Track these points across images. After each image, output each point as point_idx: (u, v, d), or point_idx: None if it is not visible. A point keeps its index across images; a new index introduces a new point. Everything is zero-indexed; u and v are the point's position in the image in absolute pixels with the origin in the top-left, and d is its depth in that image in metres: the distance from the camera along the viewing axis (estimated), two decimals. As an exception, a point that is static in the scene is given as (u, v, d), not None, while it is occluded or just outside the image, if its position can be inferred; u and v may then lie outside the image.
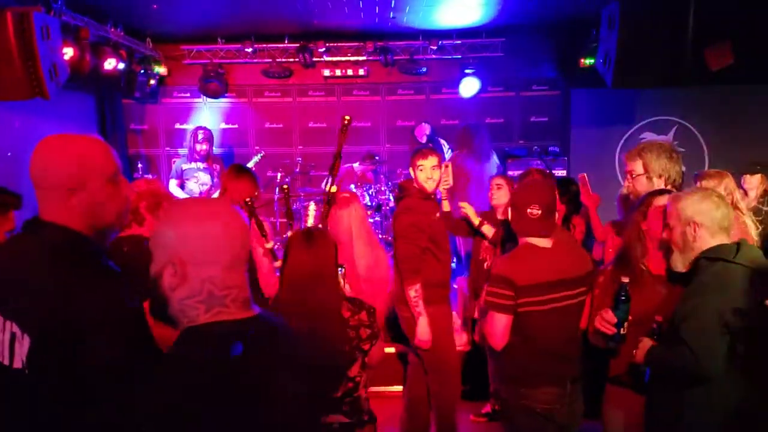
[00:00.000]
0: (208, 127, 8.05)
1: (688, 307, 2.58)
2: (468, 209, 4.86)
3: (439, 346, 4.16)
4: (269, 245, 4.04)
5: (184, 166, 7.53)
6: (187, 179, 7.49)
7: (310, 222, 8.06)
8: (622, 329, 2.80)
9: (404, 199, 4.35)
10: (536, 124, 9.26)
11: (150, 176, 8.22)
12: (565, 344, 3.03)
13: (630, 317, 2.80)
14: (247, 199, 3.96)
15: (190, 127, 9.07)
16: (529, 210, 2.96)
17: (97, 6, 7.11)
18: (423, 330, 4.08)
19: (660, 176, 3.25)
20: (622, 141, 8.91)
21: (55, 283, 1.77)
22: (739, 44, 7.47)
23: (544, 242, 3.01)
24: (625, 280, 2.77)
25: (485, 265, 4.92)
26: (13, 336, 1.80)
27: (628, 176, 3.41)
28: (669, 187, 3.22)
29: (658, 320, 2.72)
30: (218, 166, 7.63)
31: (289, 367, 1.59)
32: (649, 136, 8.87)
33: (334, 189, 3.80)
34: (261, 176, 8.14)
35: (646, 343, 2.70)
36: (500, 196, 4.97)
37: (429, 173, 4.23)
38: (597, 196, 5.01)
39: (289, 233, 3.57)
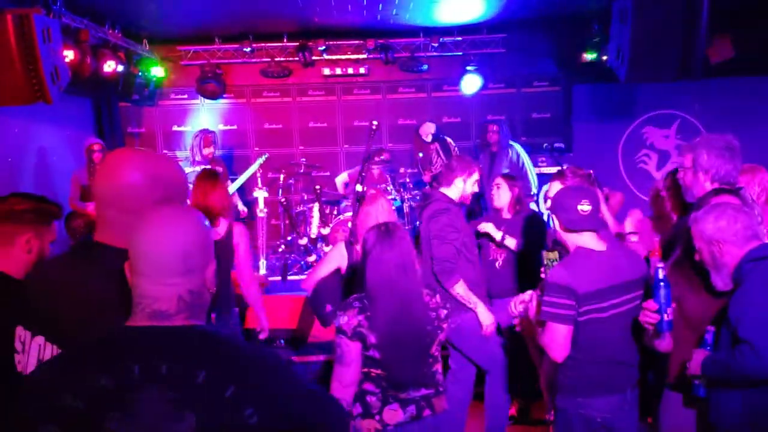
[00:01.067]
0: (209, 128, 7.92)
1: (743, 306, 2.52)
2: (488, 227, 4.86)
3: (486, 347, 4.22)
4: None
5: (188, 170, 7.36)
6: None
7: (315, 223, 8.02)
8: (665, 315, 2.71)
9: (434, 203, 4.33)
10: (538, 121, 9.18)
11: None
12: (625, 350, 2.96)
13: (673, 303, 2.73)
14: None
15: (188, 129, 8.97)
16: (579, 207, 2.89)
17: (95, 7, 6.97)
18: (485, 316, 4.12)
19: (706, 172, 3.14)
20: (624, 135, 8.88)
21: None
22: (742, 36, 7.49)
23: (599, 245, 2.93)
24: (660, 265, 2.73)
25: (497, 264, 4.88)
26: None
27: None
28: (716, 185, 3.14)
29: (711, 329, 2.66)
30: (221, 169, 7.46)
31: (154, 380, 1.42)
32: (651, 130, 8.84)
33: (362, 188, 4.18)
34: (263, 178, 8.04)
35: (699, 353, 2.64)
36: (500, 195, 4.97)
37: (476, 187, 4.49)
38: (620, 195, 4.95)
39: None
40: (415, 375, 2.85)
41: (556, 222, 3.01)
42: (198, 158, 7.36)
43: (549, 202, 3.57)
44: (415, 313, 2.85)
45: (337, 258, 4.02)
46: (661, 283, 2.69)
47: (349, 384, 2.80)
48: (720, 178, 3.08)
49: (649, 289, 2.81)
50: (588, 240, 2.93)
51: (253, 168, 7.32)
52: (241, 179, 7.54)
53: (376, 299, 2.81)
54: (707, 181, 3.12)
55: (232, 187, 7.13)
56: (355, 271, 3.64)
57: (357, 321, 2.77)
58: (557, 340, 2.82)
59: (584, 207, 2.88)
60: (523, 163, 7.86)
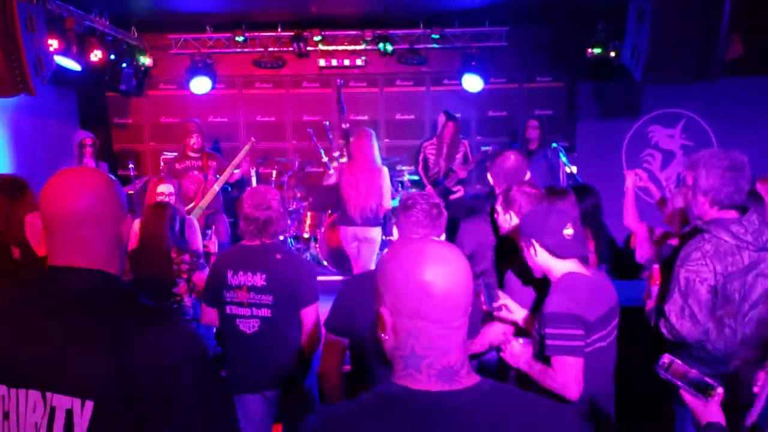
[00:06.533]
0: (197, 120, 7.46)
1: None
2: None
3: None
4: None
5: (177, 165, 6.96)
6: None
7: (308, 221, 7.72)
8: None
9: None
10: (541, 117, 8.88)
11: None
12: (612, 383, 2.82)
13: None
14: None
15: (177, 120, 8.64)
16: (565, 231, 2.67)
17: (81, -8, 6.60)
18: None
19: (705, 194, 2.92)
20: (629, 134, 8.61)
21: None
22: (751, 34, 7.25)
23: (584, 270, 2.73)
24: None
25: None
26: (52, 411, 1.47)
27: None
28: (716, 207, 2.91)
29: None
30: (214, 163, 7.07)
31: None
32: (656, 129, 8.59)
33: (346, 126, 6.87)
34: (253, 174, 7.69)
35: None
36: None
37: None
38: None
39: None
40: None
41: (537, 248, 2.73)
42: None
43: (507, 219, 3.30)
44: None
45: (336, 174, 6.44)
46: None
47: None
48: (720, 200, 2.88)
49: None
50: (574, 266, 2.72)
51: (239, 158, 6.91)
52: (227, 173, 7.06)
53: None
54: (706, 204, 2.93)
55: (217, 184, 6.77)
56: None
57: None
58: (573, 374, 2.52)
59: (569, 231, 2.67)
60: (559, 167, 7.45)
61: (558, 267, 2.71)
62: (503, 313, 2.97)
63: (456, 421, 1.27)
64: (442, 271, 1.31)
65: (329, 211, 7.54)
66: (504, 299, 2.98)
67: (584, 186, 4.95)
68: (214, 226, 6.67)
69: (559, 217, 2.74)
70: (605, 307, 2.65)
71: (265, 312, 3.43)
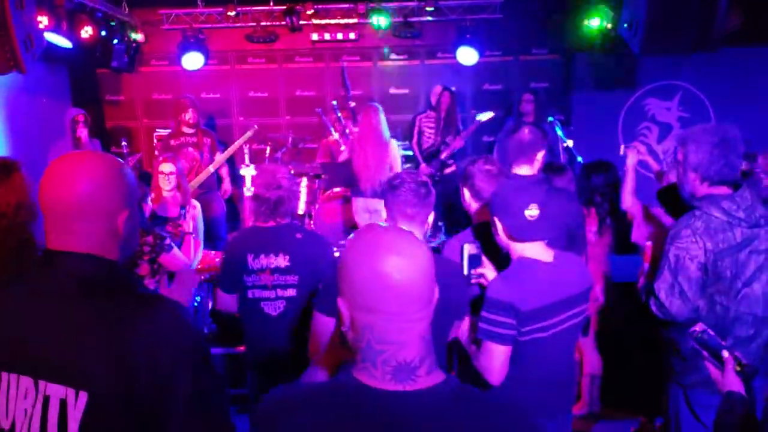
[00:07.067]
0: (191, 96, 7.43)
1: None
2: None
3: None
4: None
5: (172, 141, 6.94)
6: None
7: (303, 199, 7.70)
8: None
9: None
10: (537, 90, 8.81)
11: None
12: (566, 370, 2.75)
13: None
14: None
15: (170, 96, 8.56)
16: (527, 212, 2.52)
17: (70, -32, 6.50)
18: None
19: (695, 170, 2.87)
20: (625, 107, 8.57)
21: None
22: (747, 5, 7.17)
23: (546, 255, 2.60)
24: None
25: None
26: (46, 400, 1.44)
27: None
28: (706, 183, 2.85)
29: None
30: (209, 140, 7.04)
31: None
32: (653, 102, 8.55)
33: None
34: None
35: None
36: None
37: None
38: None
39: None
40: None
41: (499, 226, 2.64)
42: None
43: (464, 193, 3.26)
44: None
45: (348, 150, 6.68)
46: None
47: None
48: (709, 177, 2.84)
49: None
50: (534, 250, 2.60)
51: (239, 143, 6.90)
52: (225, 156, 7.03)
53: None
54: (696, 180, 2.89)
55: (213, 165, 6.74)
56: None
57: None
58: (494, 361, 2.49)
59: (532, 212, 2.51)
60: (556, 141, 7.21)
61: (516, 249, 2.63)
62: (482, 280, 2.90)
63: (404, 428, 1.22)
64: (400, 261, 1.26)
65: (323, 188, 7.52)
66: (484, 269, 2.85)
67: (600, 162, 4.79)
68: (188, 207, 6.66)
69: (521, 196, 2.56)
70: (555, 298, 2.55)
71: (291, 292, 3.43)
